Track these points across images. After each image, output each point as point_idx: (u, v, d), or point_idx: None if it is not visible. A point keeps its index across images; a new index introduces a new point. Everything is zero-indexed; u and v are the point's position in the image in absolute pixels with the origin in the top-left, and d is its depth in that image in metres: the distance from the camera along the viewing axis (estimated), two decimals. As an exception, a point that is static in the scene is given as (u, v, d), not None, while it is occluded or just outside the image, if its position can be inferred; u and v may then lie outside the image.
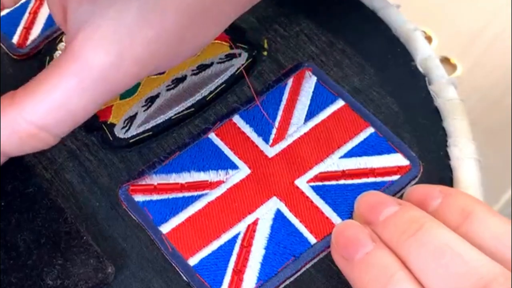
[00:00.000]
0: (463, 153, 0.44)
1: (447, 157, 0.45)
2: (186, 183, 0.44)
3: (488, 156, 0.46)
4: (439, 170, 0.44)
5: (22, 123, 0.37)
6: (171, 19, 0.38)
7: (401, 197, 0.43)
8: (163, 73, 0.48)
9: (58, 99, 0.37)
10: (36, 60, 0.49)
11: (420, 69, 0.48)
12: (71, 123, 0.38)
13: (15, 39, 0.50)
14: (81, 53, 0.36)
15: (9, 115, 0.37)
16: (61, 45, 0.49)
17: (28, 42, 0.50)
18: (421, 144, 0.45)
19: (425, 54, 0.48)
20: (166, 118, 0.47)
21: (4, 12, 0.51)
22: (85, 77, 0.37)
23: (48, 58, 0.49)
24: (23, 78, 0.47)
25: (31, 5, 0.52)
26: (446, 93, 0.47)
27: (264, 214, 0.43)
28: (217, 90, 0.47)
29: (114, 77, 0.37)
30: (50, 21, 0.51)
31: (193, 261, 0.42)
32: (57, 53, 0.49)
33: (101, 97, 0.38)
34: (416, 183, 0.43)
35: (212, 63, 0.48)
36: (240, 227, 0.42)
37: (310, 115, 0.46)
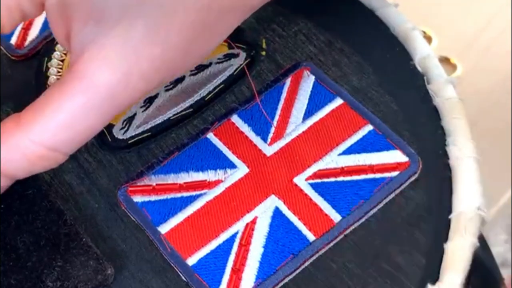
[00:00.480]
0: (463, 152, 0.44)
1: (446, 156, 0.44)
2: (184, 183, 0.44)
3: (488, 156, 0.46)
4: (438, 170, 0.44)
5: (30, 145, 0.37)
6: (176, 35, 0.38)
7: (400, 193, 0.43)
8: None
9: (66, 119, 0.37)
10: (34, 61, 0.50)
11: (419, 68, 0.48)
12: (80, 141, 0.38)
13: (13, 40, 0.50)
14: (87, 73, 0.37)
15: (16, 138, 0.37)
16: (59, 46, 0.49)
17: (27, 43, 0.50)
18: (420, 143, 0.45)
19: (424, 53, 0.48)
20: (165, 118, 0.47)
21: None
22: (92, 95, 0.37)
23: (46, 59, 0.49)
24: (21, 79, 0.47)
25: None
26: (445, 92, 0.47)
27: (263, 213, 0.43)
28: (216, 90, 0.47)
29: (120, 94, 0.37)
30: (48, 22, 0.51)
31: (191, 261, 0.42)
32: (56, 54, 0.49)
33: (108, 114, 0.38)
34: (415, 180, 0.43)
35: (210, 63, 0.48)
36: (239, 226, 0.42)
37: (308, 113, 0.46)
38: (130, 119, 0.46)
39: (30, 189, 0.44)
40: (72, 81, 0.37)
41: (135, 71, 0.37)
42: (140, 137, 0.46)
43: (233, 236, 0.42)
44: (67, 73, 0.37)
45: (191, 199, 0.43)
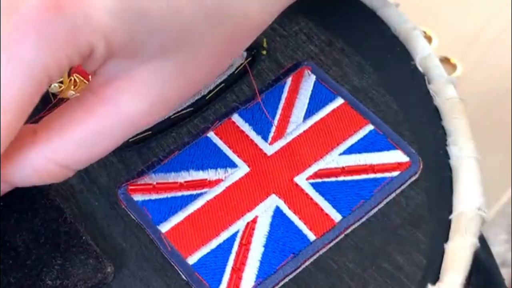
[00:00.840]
0: (463, 152, 0.44)
1: (446, 156, 0.44)
2: (185, 182, 0.44)
3: (488, 156, 0.46)
4: (438, 170, 0.44)
5: (43, 161, 0.37)
6: (203, 66, 0.39)
7: (401, 193, 0.43)
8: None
9: (85, 140, 0.37)
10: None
11: (420, 68, 0.48)
12: (93, 160, 0.38)
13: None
14: (116, 100, 0.37)
15: (30, 153, 0.37)
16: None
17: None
18: (420, 143, 0.45)
19: (425, 53, 0.48)
20: (165, 117, 0.46)
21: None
22: (116, 121, 0.37)
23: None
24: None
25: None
26: (446, 92, 0.47)
27: (263, 212, 0.43)
28: (216, 89, 0.47)
29: (143, 121, 0.38)
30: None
31: (192, 260, 0.41)
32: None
33: (126, 137, 0.38)
34: (416, 180, 0.43)
35: (211, 63, 0.48)
36: (239, 225, 0.42)
37: (309, 113, 0.46)
38: (130, 118, 0.46)
39: (30, 186, 0.44)
40: (98, 105, 0.37)
41: (161, 102, 0.38)
42: (140, 135, 0.46)
43: (234, 235, 0.42)
44: (90, 94, 0.37)
45: (192, 198, 0.43)
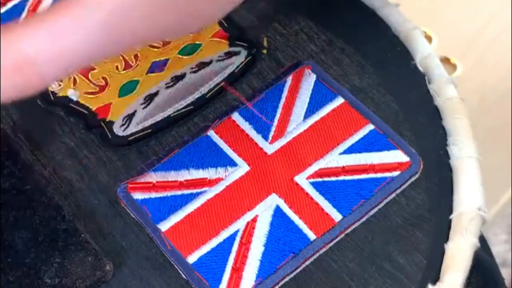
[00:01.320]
0: (463, 152, 0.44)
1: (447, 156, 0.44)
2: (185, 180, 0.44)
3: (488, 156, 0.46)
4: (439, 170, 0.44)
5: (11, 51, 0.34)
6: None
7: (401, 193, 0.43)
8: (162, 71, 0.48)
9: (53, 33, 0.35)
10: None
11: (420, 68, 0.48)
12: (62, 65, 0.36)
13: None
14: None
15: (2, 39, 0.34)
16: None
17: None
18: (420, 143, 0.45)
19: (425, 53, 0.48)
20: (165, 116, 0.46)
21: (3, 10, 0.51)
22: (88, 18, 0.35)
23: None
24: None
25: (30, 2, 0.52)
26: (446, 92, 0.46)
27: (263, 211, 0.43)
28: (217, 88, 0.47)
29: (117, 29, 0.36)
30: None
31: (192, 259, 0.41)
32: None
33: (96, 44, 0.36)
34: (416, 180, 0.43)
35: (211, 61, 0.48)
36: (239, 224, 0.42)
37: (309, 112, 0.46)
38: (130, 116, 0.46)
39: (29, 184, 0.44)
40: (71, 3, 0.35)
41: (137, 9, 0.35)
42: (140, 134, 0.46)
43: (234, 235, 0.42)
44: None
45: (192, 197, 0.43)
